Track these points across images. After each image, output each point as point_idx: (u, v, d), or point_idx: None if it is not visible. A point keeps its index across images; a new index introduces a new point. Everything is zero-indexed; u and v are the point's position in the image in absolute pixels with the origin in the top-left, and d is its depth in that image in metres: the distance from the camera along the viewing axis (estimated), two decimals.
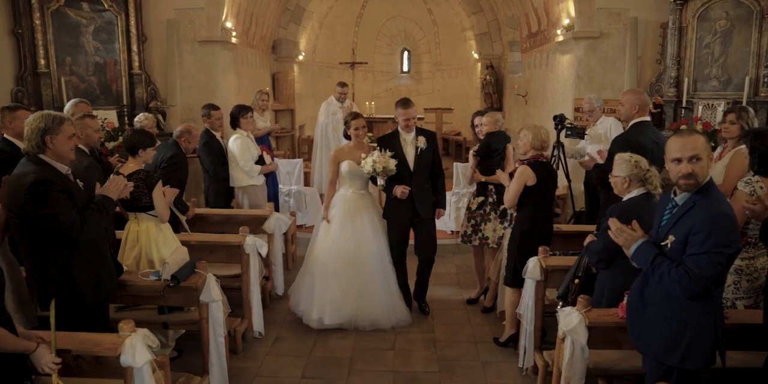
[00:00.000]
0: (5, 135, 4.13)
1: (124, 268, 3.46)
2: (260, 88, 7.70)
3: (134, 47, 7.56)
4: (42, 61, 6.79)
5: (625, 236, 2.51)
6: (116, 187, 3.08)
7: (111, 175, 3.21)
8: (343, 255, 4.52)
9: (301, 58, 12.38)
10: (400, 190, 4.45)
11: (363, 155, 4.47)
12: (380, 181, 4.65)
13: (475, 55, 12.52)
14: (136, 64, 7.61)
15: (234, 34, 8.36)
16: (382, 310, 4.54)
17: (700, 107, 6.66)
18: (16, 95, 6.67)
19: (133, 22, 7.48)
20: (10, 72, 6.69)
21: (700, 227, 2.29)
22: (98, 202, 3.01)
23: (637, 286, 2.57)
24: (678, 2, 6.77)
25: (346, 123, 4.66)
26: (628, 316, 2.63)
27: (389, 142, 4.55)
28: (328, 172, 4.88)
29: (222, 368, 3.57)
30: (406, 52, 14.33)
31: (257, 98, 7.09)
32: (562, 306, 3.25)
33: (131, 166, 3.75)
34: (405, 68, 14.42)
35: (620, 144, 4.03)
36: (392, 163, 4.39)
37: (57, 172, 2.90)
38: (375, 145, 4.71)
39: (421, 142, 4.53)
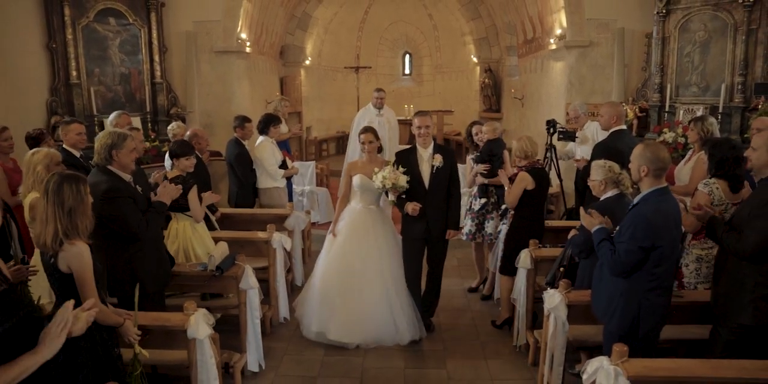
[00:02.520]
0: (64, 145, 4.70)
1: (176, 261, 4.04)
2: (281, 96, 8.22)
3: (156, 58, 8.12)
4: (74, 73, 7.35)
5: (586, 221, 3.17)
6: (168, 193, 3.66)
7: (163, 183, 3.78)
8: (347, 270, 4.47)
9: (307, 62, 12.93)
10: (411, 207, 4.32)
11: (375, 170, 4.37)
12: (391, 197, 4.52)
13: (474, 59, 13.05)
14: (158, 73, 8.17)
15: (248, 43, 8.91)
16: (386, 329, 4.47)
17: (681, 111, 7.22)
18: (51, 105, 7.24)
19: (155, 34, 8.04)
20: (46, 83, 7.26)
21: (625, 222, 2.94)
22: (156, 206, 3.59)
23: (599, 263, 3.15)
24: (661, 14, 7.32)
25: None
26: (592, 285, 3.24)
27: (405, 158, 4.44)
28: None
29: (258, 346, 4.14)
30: (407, 56, 14.86)
31: (281, 105, 7.62)
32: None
33: (174, 171, 4.33)
34: (407, 71, 14.95)
35: (601, 150, 4.61)
36: (403, 180, 4.28)
37: (123, 181, 3.47)
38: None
39: (437, 160, 4.40)
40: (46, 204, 2.60)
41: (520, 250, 4.49)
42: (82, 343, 2.60)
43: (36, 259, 3.59)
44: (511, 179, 4.72)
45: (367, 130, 4.64)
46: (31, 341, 1.89)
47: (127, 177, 3.51)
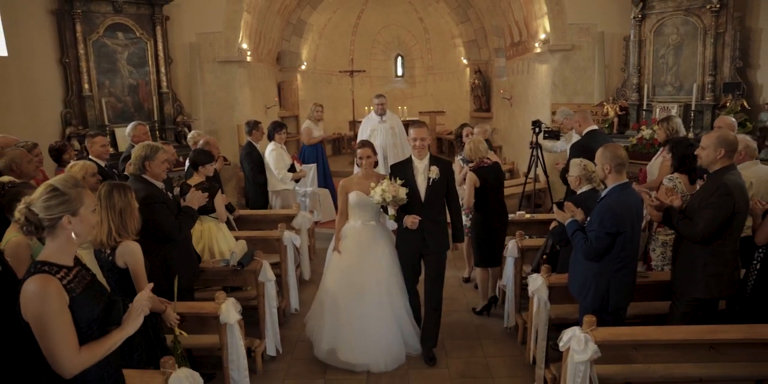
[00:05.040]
0: (90, 156, 5.16)
1: (202, 258, 4.51)
2: (315, 102, 8.66)
3: (162, 69, 8.57)
4: (86, 86, 7.80)
5: (559, 216, 3.69)
6: (197, 199, 4.13)
7: (191, 190, 4.25)
8: (353, 288, 4.39)
9: (303, 67, 13.38)
10: (410, 220, 4.24)
11: (372, 185, 4.27)
12: (391, 211, 4.39)
13: (464, 61, 13.53)
14: (164, 83, 8.61)
15: (248, 53, 9.37)
16: (393, 347, 4.40)
17: (658, 110, 7.73)
18: (65, 116, 7.68)
19: (160, 46, 8.48)
20: (59, 96, 7.71)
21: (594, 213, 3.41)
22: (186, 210, 4.06)
23: (574, 249, 3.64)
24: (637, 19, 7.83)
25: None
26: (568, 269, 3.74)
27: (401, 170, 4.35)
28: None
29: (275, 333, 4.62)
30: (399, 58, 15.30)
31: (313, 110, 8.14)
32: None
33: (196, 178, 4.79)
34: (399, 73, 15.41)
35: (577, 149, 5.14)
36: (402, 192, 4.19)
37: (156, 188, 3.93)
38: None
39: (434, 172, 4.27)
40: (99, 209, 3.05)
41: (485, 244, 5.03)
42: None
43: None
44: None
45: (364, 144, 4.54)
46: (111, 320, 2.35)
47: (160, 185, 3.98)
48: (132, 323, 2.30)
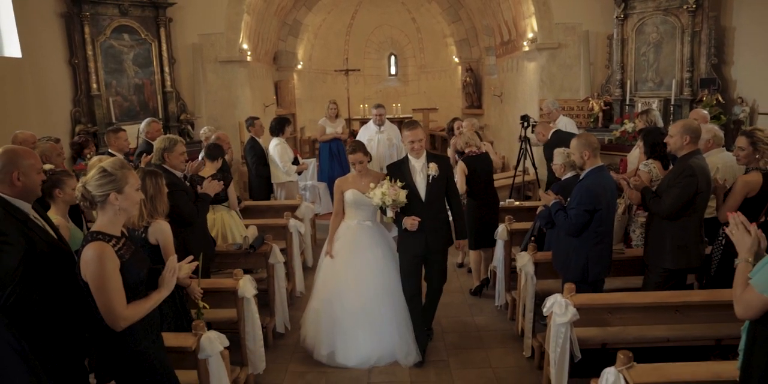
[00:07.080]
0: (110, 150, 5.51)
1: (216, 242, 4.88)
2: (330, 99, 9.00)
3: (166, 69, 8.92)
4: (94, 86, 8.13)
5: (545, 199, 4.11)
6: (213, 187, 4.50)
7: (206, 180, 4.61)
8: (349, 291, 4.32)
9: (299, 66, 13.74)
10: (409, 222, 4.11)
11: (372, 185, 4.20)
12: (389, 213, 4.24)
13: (456, 59, 13.93)
14: (168, 83, 8.96)
15: (248, 53, 9.72)
16: (393, 348, 4.36)
17: (640, 104, 8.15)
18: (74, 115, 8.00)
19: (164, 47, 8.84)
20: (69, 95, 8.02)
21: (573, 193, 3.82)
22: (203, 197, 4.43)
23: (557, 226, 4.04)
24: (620, 18, 8.26)
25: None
26: (552, 246, 4.14)
27: (398, 170, 4.21)
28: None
29: (284, 312, 5.00)
30: (393, 57, 15.70)
31: (329, 108, 8.53)
32: None
33: (208, 170, 5.16)
34: (392, 71, 15.80)
35: (550, 149, 5.58)
36: (403, 195, 4.08)
37: (176, 177, 4.30)
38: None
39: (433, 169, 4.15)
40: None
41: (478, 226, 5.43)
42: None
43: None
44: None
45: (355, 149, 4.39)
46: (152, 285, 2.72)
47: (179, 174, 4.35)
48: (167, 284, 2.67)
